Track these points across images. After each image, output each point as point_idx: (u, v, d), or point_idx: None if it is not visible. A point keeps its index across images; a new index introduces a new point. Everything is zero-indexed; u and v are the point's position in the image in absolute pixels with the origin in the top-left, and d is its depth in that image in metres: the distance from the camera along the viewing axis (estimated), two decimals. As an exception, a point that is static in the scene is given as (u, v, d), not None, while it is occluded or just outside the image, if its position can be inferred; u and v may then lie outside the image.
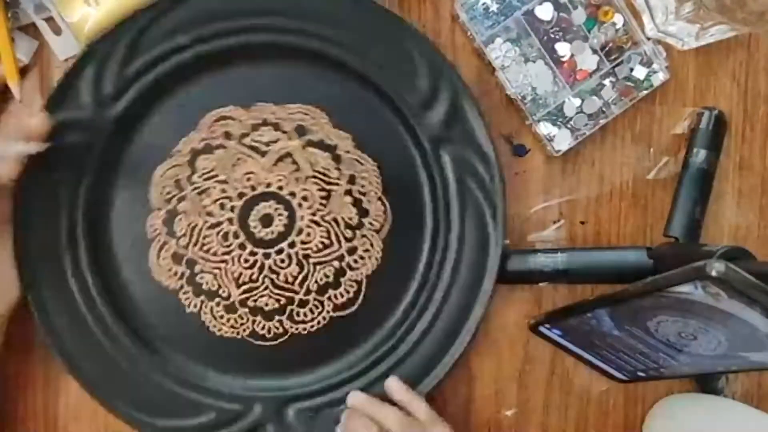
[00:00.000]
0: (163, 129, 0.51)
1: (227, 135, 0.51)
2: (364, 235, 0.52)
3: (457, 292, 0.51)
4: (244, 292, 0.52)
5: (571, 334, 0.50)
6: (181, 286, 0.51)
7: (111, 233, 0.51)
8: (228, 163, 0.51)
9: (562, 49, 0.52)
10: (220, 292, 0.51)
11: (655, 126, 0.54)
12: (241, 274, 0.51)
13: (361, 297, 0.52)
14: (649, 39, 0.52)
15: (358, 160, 0.51)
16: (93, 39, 0.49)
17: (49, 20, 0.51)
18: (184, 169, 0.51)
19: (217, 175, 0.51)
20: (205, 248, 0.51)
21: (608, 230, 0.54)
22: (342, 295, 0.52)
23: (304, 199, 0.51)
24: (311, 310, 0.52)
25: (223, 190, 0.51)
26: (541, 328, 0.51)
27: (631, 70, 0.52)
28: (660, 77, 0.52)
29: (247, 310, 0.52)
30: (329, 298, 0.52)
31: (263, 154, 0.51)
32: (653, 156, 0.54)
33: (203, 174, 0.51)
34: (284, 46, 0.50)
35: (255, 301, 0.52)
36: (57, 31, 0.51)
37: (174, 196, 0.51)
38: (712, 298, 0.37)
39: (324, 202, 0.51)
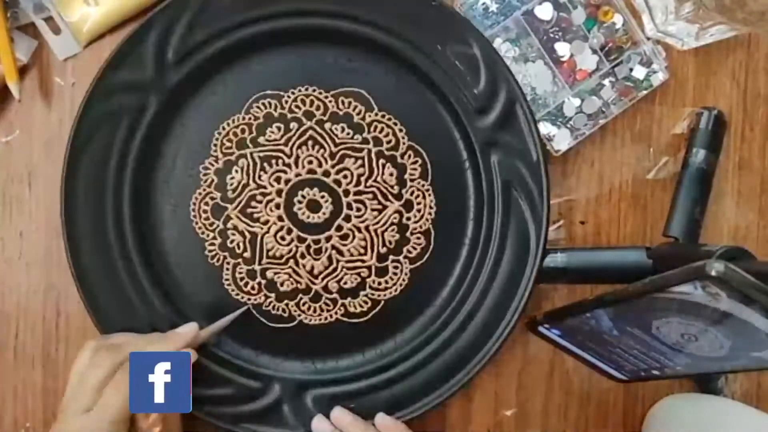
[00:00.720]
0: (220, 102, 0.51)
1: (308, 114, 0.51)
2: (397, 260, 0.52)
3: (485, 312, 0.51)
4: (269, 264, 0.51)
5: (571, 334, 0.50)
6: (214, 238, 0.51)
7: (156, 178, 0.51)
8: (298, 140, 0.51)
9: (562, 49, 0.52)
10: (245, 254, 0.51)
11: (654, 126, 0.54)
12: (272, 247, 0.51)
13: (373, 313, 0.52)
14: (648, 39, 0.52)
15: (419, 190, 0.52)
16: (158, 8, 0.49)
17: (49, 20, 0.51)
18: (252, 131, 0.51)
19: (283, 146, 0.51)
20: (247, 211, 0.51)
21: (608, 230, 0.54)
22: (356, 306, 0.52)
23: (358, 202, 0.51)
24: (321, 308, 0.52)
25: (284, 163, 0.51)
26: (540, 328, 0.51)
27: (631, 70, 0.52)
28: (659, 77, 0.52)
29: (264, 281, 0.51)
30: (343, 305, 0.52)
31: (335, 145, 0.51)
32: (653, 156, 0.54)
33: (271, 141, 0.51)
34: (347, 34, 0.50)
35: (275, 274, 0.51)
36: (56, 30, 0.51)
37: (235, 151, 0.51)
38: (711, 298, 0.37)
39: (375, 213, 0.51)
